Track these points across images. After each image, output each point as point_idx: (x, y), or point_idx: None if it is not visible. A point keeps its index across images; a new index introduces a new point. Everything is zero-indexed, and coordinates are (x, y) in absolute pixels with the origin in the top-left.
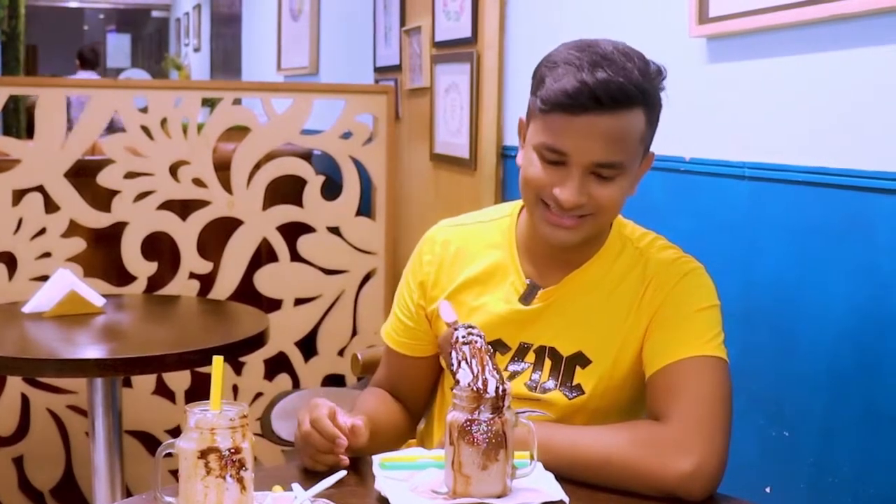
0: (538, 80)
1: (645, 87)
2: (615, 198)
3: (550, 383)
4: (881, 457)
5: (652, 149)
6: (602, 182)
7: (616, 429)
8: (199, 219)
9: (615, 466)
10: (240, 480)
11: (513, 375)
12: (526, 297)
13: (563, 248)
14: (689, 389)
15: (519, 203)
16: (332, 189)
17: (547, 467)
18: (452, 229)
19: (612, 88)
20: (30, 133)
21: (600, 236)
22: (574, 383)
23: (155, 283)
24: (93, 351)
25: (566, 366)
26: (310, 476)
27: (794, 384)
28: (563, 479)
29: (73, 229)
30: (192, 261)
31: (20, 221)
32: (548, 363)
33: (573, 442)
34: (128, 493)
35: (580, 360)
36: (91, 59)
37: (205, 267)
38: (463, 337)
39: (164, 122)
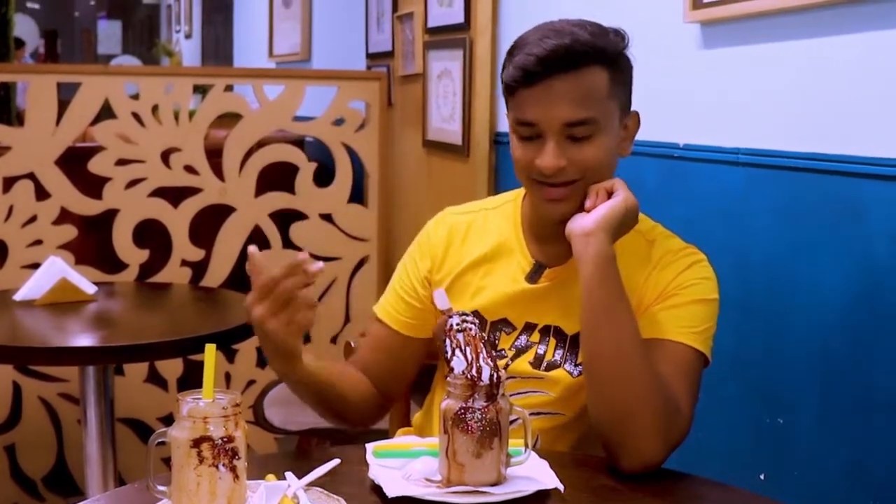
0: (503, 68)
1: (598, 44)
2: (597, 156)
3: (557, 358)
4: (875, 443)
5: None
6: (579, 144)
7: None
8: (191, 206)
9: (636, 385)
10: (233, 469)
11: (518, 354)
12: (532, 276)
13: (562, 221)
14: (665, 373)
15: (522, 189)
16: (324, 176)
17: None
18: (459, 216)
19: (560, 52)
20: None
21: None
22: (579, 361)
23: (147, 270)
24: (84, 339)
25: (570, 344)
26: (303, 465)
27: (788, 371)
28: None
29: (64, 217)
30: (183, 248)
31: (10, 209)
32: (552, 342)
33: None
34: (120, 482)
35: None
36: None
37: (197, 254)
38: (457, 324)
39: (155, 108)
